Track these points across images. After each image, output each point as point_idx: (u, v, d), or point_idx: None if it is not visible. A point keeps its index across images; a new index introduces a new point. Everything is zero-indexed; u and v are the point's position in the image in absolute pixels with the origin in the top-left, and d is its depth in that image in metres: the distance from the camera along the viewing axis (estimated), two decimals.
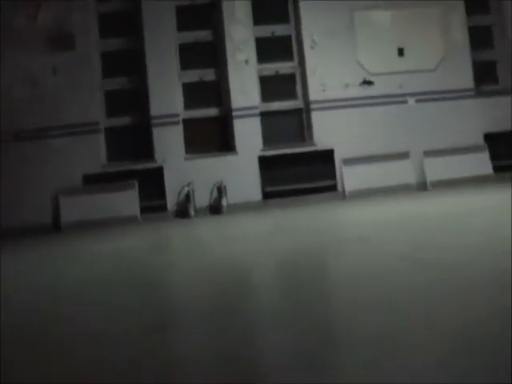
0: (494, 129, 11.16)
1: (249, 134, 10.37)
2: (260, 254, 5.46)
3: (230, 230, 8.31)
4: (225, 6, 10.63)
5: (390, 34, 11.01)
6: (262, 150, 10.38)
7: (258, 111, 10.53)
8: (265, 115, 10.59)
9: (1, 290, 4.57)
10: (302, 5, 10.78)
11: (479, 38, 11.54)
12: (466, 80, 11.19)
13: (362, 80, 10.85)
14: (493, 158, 11.06)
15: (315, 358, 2.25)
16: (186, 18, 10.82)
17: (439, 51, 11.08)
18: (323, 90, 10.60)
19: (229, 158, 10.34)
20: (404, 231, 5.84)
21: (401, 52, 10.95)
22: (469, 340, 2.25)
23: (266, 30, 10.91)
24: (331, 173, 10.56)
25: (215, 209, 10.06)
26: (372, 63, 10.82)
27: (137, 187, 10.00)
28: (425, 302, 2.98)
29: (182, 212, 10.00)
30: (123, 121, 10.59)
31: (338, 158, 10.53)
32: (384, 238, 5.49)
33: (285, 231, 7.22)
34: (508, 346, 2.05)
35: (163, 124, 10.37)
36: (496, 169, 11.01)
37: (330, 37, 10.70)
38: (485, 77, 11.55)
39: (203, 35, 10.88)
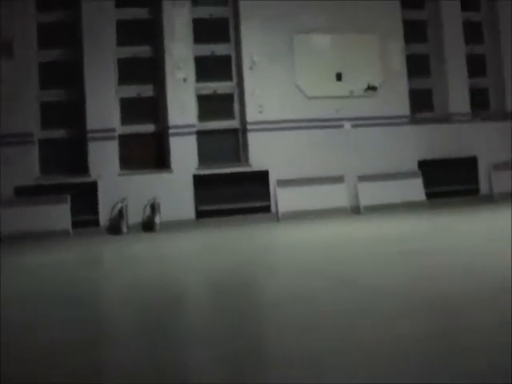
0: (428, 156, 12.94)
1: (184, 153, 11.80)
2: (188, 272, 6.15)
3: (160, 248, 9.28)
4: (166, 22, 12.11)
5: (329, 58, 12.69)
6: (198, 169, 11.82)
7: (194, 130, 11.97)
8: (201, 134, 12.06)
9: None
10: (242, 25, 12.34)
11: (416, 66, 13.37)
12: (402, 107, 12.95)
13: (366, 86, 12.52)
14: (426, 184, 12.81)
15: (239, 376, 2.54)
16: (127, 33, 12.26)
17: (376, 77, 12.82)
18: (260, 112, 12.15)
19: (164, 176, 11.74)
20: (334, 254, 6.62)
21: (339, 77, 12.64)
22: (392, 358, 2.55)
23: (206, 49, 12.43)
24: (265, 194, 12.08)
25: (148, 226, 11.43)
26: (310, 86, 12.45)
27: (69, 201, 11.29)
28: (349, 322, 3.34)
29: (115, 228, 11.31)
30: (58, 133, 11.90)
31: (272, 179, 12.06)
32: (313, 259, 6.25)
33: (215, 251, 8.09)
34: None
35: (99, 138, 11.72)
36: (429, 195, 12.76)
37: (270, 58, 12.27)
38: (421, 104, 13.37)
39: (143, 51, 12.32)
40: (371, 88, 12.52)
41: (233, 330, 3.43)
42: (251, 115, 12.16)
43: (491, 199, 13.19)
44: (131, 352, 3.05)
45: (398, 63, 12.99)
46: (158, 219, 11.37)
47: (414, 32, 13.44)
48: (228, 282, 5.30)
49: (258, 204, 12.01)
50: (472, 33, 13.88)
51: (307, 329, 3.24)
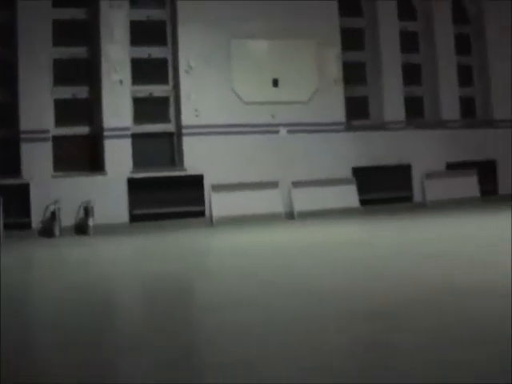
0: (362, 163, 14.87)
1: (119, 155, 13.31)
2: (121, 276, 6.69)
3: (93, 252, 10.06)
4: (103, 24, 13.62)
5: (266, 64, 14.47)
6: (132, 172, 13.38)
7: (129, 132, 13.51)
8: (136, 137, 13.64)
9: None
10: (180, 28, 13.97)
11: (353, 74, 15.31)
12: (338, 114, 14.83)
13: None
14: (360, 191, 14.73)
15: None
16: (63, 33, 13.72)
17: (313, 84, 14.67)
18: (196, 116, 13.81)
19: (98, 178, 13.24)
20: (268, 259, 7.25)
21: (275, 82, 14.44)
22: (331, 362, 2.78)
23: (143, 52, 14.03)
24: (200, 198, 13.76)
25: (81, 229, 12.89)
26: (247, 91, 14.18)
27: (1, 203, 12.68)
28: (283, 326, 3.63)
29: (47, 231, 12.70)
30: None
31: (207, 183, 13.74)
32: (247, 264, 6.79)
33: (148, 255, 8.88)
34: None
35: (32, 140, 13.15)
36: (363, 202, 14.67)
37: (207, 63, 13.93)
38: (356, 111, 15.32)
39: (79, 52, 13.82)
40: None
41: (167, 335, 3.70)
42: (187, 119, 13.76)
43: (424, 207, 15.19)
44: (60, 359, 3.23)
45: (335, 70, 14.86)
46: (91, 222, 12.76)
47: (351, 40, 15.37)
48: (160, 287, 5.65)
49: (192, 208, 13.63)
50: (408, 42, 15.93)
51: (242, 334, 3.52)
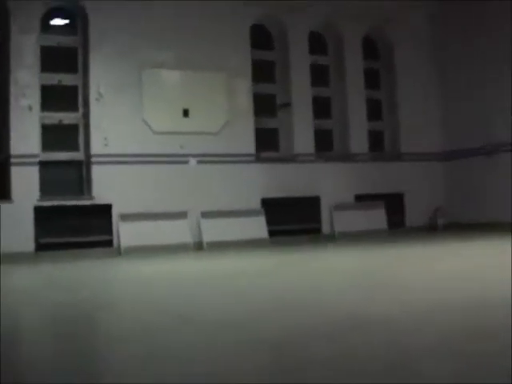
0: (272, 194, 16.61)
1: (26, 183, 14.44)
2: (24, 307, 6.78)
3: None
4: (12, 48, 14.86)
5: (177, 94, 16.08)
6: (39, 200, 14.61)
7: (37, 160, 14.71)
8: (44, 164, 14.90)
9: None
10: (91, 56, 15.35)
11: (263, 106, 17.15)
12: (248, 145, 16.58)
13: (280, 103, 15.79)
14: (269, 222, 16.46)
15: None
16: None
17: (223, 115, 16.38)
18: (106, 144, 15.22)
19: (4, 206, 14.31)
20: (173, 289, 7.58)
21: (186, 113, 16.06)
22: None
23: (53, 78, 15.39)
24: (108, 228, 15.15)
25: None
26: (157, 121, 15.70)
27: None
28: (186, 355, 3.84)
29: None
30: None
31: (115, 213, 15.16)
32: (153, 295, 7.08)
33: (53, 285, 9.13)
34: None
35: None
36: (272, 233, 16.40)
37: (118, 91, 15.35)
38: (266, 143, 17.14)
39: None
40: (284, 105, 16.05)
41: (69, 364, 3.83)
42: (96, 147, 15.06)
43: (332, 238, 17.06)
44: None
45: (245, 102, 16.61)
46: None
47: (262, 72, 17.21)
48: (65, 318, 5.78)
49: (100, 238, 14.98)
50: (319, 75, 17.91)
51: (145, 364, 3.68)
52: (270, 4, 16.81)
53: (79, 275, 10.86)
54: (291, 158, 17.06)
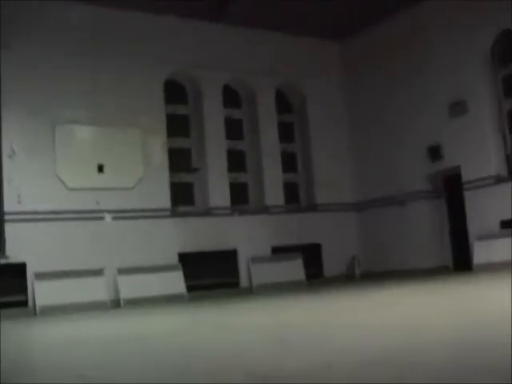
0: (188, 248, 16.79)
1: None
2: None
3: None
4: None
5: (91, 150, 16.19)
6: None
7: None
8: None
9: None
10: (3, 113, 15.37)
11: (178, 160, 17.41)
12: (164, 199, 16.77)
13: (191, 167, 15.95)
14: (187, 277, 16.58)
15: None
16: None
17: (138, 170, 16.55)
18: (19, 202, 15.18)
19: None
20: (88, 353, 7.22)
21: (101, 168, 16.16)
22: None
23: None
24: (23, 287, 15.02)
25: None
26: (71, 177, 15.77)
27: None
28: None
29: None
30: None
31: (30, 271, 15.06)
32: (68, 359, 6.76)
33: None
34: None
35: None
36: (190, 288, 16.51)
37: (30, 148, 15.37)
38: (182, 197, 17.36)
39: None
40: (194, 169, 16.41)
41: None
42: (9, 205, 15.02)
43: (250, 291, 17.27)
44: None
45: (160, 157, 16.86)
46: None
47: (176, 126, 17.51)
48: None
49: (14, 298, 14.82)
50: (233, 129, 18.32)
51: None
52: (181, 59, 17.16)
53: None
54: (207, 212, 17.35)
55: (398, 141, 18.17)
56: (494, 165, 16.19)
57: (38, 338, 10.40)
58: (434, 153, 17.27)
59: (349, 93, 19.77)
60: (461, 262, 17.03)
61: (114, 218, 16.04)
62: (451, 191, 17.46)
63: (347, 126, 19.73)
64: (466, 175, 16.57)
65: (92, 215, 15.80)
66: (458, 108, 16.73)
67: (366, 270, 18.84)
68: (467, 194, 16.63)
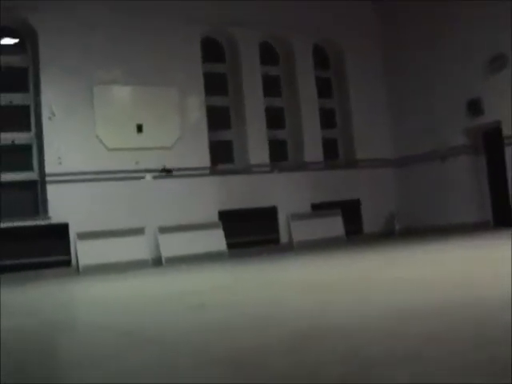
0: (228, 206, 16.64)
1: None
2: None
3: None
4: None
5: (130, 110, 16.04)
6: None
7: None
8: None
9: None
10: (42, 75, 15.27)
11: (217, 118, 17.19)
12: (203, 158, 16.60)
13: (162, 168, 15.80)
14: (227, 234, 16.47)
15: None
16: None
17: (177, 129, 16.38)
18: (60, 163, 15.11)
19: None
20: (134, 309, 7.29)
21: (140, 128, 16.02)
22: None
23: (4, 99, 15.23)
24: (66, 247, 15.03)
25: None
26: (111, 138, 15.66)
27: None
28: (148, 379, 3.66)
29: None
30: None
31: (72, 232, 15.06)
32: (113, 316, 6.85)
33: (9, 309, 8.56)
34: None
35: None
36: (230, 245, 16.41)
37: (70, 109, 15.26)
38: (221, 156, 17.18)
39: None
40: (166, 171, 16.09)
41: None
42: (50, 167, 14.94)
43: (291, 248, 17.13)
44: None
45: (198, 115, 16.65)
46: None
47: (214, 85, 17.25)
48: (22, 344, 5.54)
49: (58, 258, 14.86)
50: (270, 86, 18.02)
51: None
52: (218, 17, 16.86)
53: (39, 298, 10.55)
54: (246, 170, 17.11)
55: (438, 95, 17.72)
56: None
57: (82, 297, 10.36)
58: (474, 107, 16.80)
59: (387, 48, 19.30)
60: (501, 218, 16.66)
61: (154, 178, 15.91)
62: (491, 146, 17.02)
63: (386, 82, 19.29)
64: (507, 130, 16.11)
65: (132, 175, 15.69)
66: (498, 62, 16.22)
67: (405, 226, 18.54)
68: (508, 150, 16.19)
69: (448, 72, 17.45)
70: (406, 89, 18.87)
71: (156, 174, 15.92)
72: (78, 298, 10.59)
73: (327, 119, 18.91)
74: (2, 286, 12.62)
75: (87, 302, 9.52)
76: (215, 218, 16.41)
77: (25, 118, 15.38)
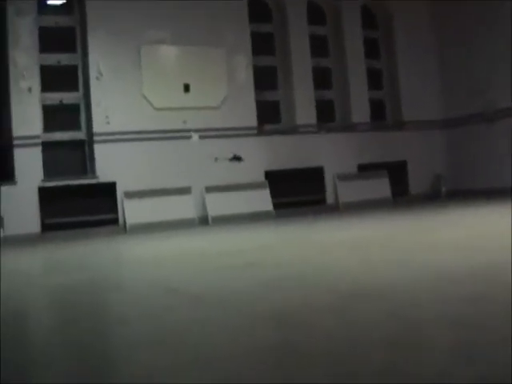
0: (275, 166, 16.23)
1: (29, 164, 14.18)
2: (31, 288, 6.58)
3: (2, 264, 9.39)
4: (10, 30, 14.49)
5: (177, 70, 15.66)
6: (43, 181, 14.32)
7: (39, 141, 14.41)
8: (47, 145, 14.59)
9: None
10: (89, 35, 14.97)
11: (264, 78, 16.71)
12: (250, 118, 16.17)
13: (232, 156, 15.54)
14: (273, 194, 16.08)
15: None
16: None
17: (224, 89, 15.96)
18: (107, 123, 14.84)
19: (7, 188, 14.05)
20: (183, 268, 7.25)
21: (187, 88, 15.65)
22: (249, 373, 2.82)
23: (52, 58, 15.00)
24: (113, 206, 14.83)
25: None
26: (158, 98, 15.32)
27: None
28: (199, 336, 3.63)
29: None
30: None
31: (120, 191, 14.81)
32: (161, 274, 6.77)
33: (61, 266, 8.89)
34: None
35: None
36: (276, 205, 16.02)
37: (117, 69, 14.97)
38: (268, 116, 16.72)
39: None
40: (237, 158, 15.75)
41: (80, 349, 3.63)
42: (98, 126, 14.69)
43: (337, 208, 16.70)
44: None
45: (245, 75, 16.18)
46: (1, 233, 13.66)
47: (261, 44, 16.75)
48: (73, 299, 5.58)
49: (105, 216, 14.68)
50: (318, 46, 17.45)
51: (157, 345, 3.49)
52: None
53: (88, 255, 10.53)
54: (293, 130, 16.65)
55: (487, 57, 16.94)
56: None
57: (130, 255, 10.27)
58: None
59: (437, 9, 18.53)
60: None
61: (201, 137, 15.56)
62: None
63: (434, 42, 18.55)
64: None
65: (179, 134, 15.36)
66: None
67: (451, 188, 17.94)
68: None
69: (499, 32, 16.64)
70: (455, 50, 18.10)
71: (202, 133, 15.51)
72: (126, 256, 10.45)
73: (375, 80, 18.28)
74: (53, 243, 12.60)
75: (135, 259, 9.36)
76: (262, 178, 16.01)
77: (72, 77, 15.11)
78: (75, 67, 15.14)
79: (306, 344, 3.24)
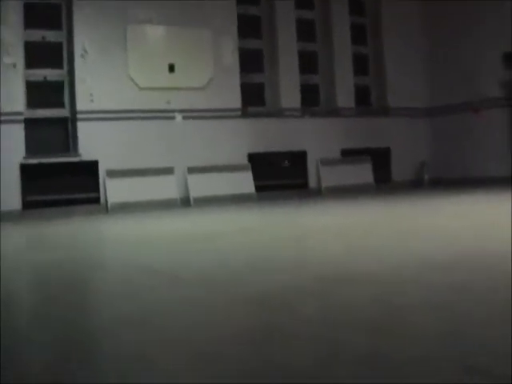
0: (258, 149, 16.14)
1: (11, 141, 13.97)
2: (7, 267, 6.28)
3: None
4: None
5: (162, 50, 15.49)
6: (25, 158, 14.15)
7: (22, 117, 14.18)
8: (29, 122, 14.40)
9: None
10: (75, 12, 14.72)
11: (249, 61, 16.58)
12: (234, 100, 16.04)
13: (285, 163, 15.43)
14: (256, 177, 16.01)
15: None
16: None
17: (209, 70, 15.82)
18: (91, 101, 14.68)
19: None
20: (162, 248, 7.25)
21: (172, 68, 15.50)
22: (232, 353, 2.77)
23: (37, 35, 14.81)
24: (95, 184, 14.69)
25: None
26: (142, 77, 15.13)
27: None
28: (177, 316, 3.65)
29: None
30: None
31: (102, 169, 14.66)
32: (141, 254, 6.75)
33: (40, 244, 8.79)
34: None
35: None
36: (258, 188, 15.96)
37: (102, 48, 14.74)
38: (252, 98, 16.61)
39: None
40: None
41: (58, 326, 3.60)
42: (81, 104, 14.46)
43: (319, 193, 16.67)
44: None
45: (231, 58, 16.04)
46: None
47: (248, 27, 16.60)
48: (52, 278, 5.54)
49: (87, 195, 14.54)
50: (304, 31, 17.33)
51: (136, 324, 3.48)
52: None
53: (68, 234, 10.42)
54: (278, 113, 16.52)
55: (473, 46, 16.85)
56: None
57: (110, 234, 10.18)
58: (510, 59, 16.00)
59: None
60: None
61: (185, 118, 15.43)
62: None
63: (421, 30, 18.43)
64: None
65: (163, 115, 15.21)
66: None
67: (435, 176, 17.94)
68: None
69: (485, 22, 16.58)
70: (441, 38, 18.01)
71: (186, 114, 15.38)
72: (107, 236, 10.31)
73: (361, 66, 18.16)
74: (34, 221, 12.51)
75: (116, 239, 9.25)
76: (245, 160, 15.91)
77: (57, 54, 14.87)
78: (60, 44, 14.90)
79: (287, 326, 3.21)
